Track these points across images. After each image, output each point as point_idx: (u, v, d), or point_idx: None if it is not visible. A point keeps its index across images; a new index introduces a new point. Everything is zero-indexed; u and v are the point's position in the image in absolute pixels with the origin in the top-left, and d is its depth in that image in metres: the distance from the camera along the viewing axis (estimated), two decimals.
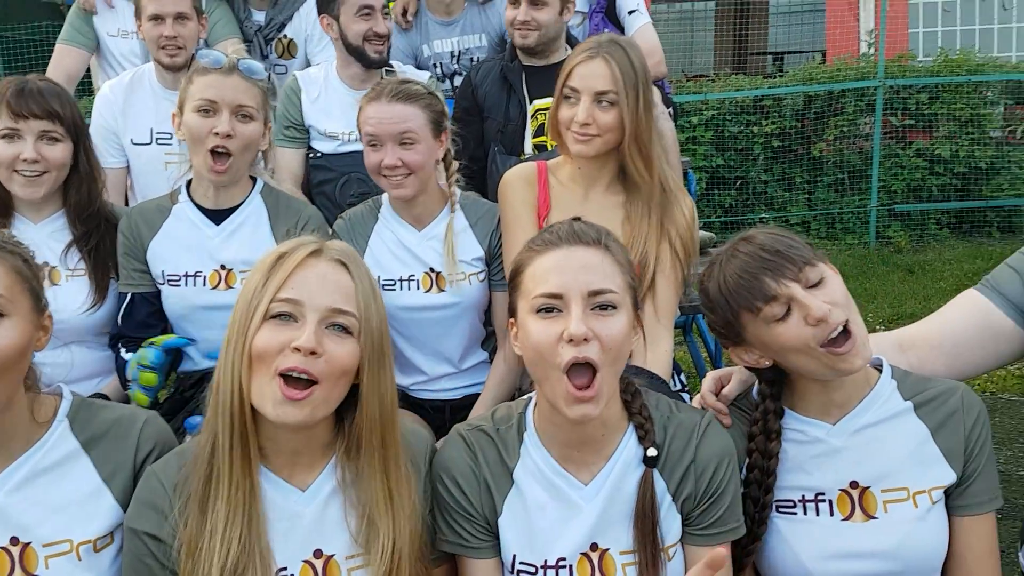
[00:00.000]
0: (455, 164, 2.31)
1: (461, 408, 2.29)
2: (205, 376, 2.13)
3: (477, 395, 2.30)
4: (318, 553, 1.42)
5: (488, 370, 2.33)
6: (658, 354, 2.09)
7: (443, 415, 2.27)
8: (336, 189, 2.87)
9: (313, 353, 1.32)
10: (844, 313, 1.44)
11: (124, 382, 2.09)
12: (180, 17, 2.81)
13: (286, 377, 1.32)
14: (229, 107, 2.10)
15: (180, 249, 2.16)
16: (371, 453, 1.42)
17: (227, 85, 2.11)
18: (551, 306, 1.39)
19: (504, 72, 2.94)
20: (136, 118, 2.89)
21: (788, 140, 7.28)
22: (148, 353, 2.00)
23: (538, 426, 1.52)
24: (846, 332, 1.44)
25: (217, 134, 2.07)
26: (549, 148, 2.95)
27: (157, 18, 2.79)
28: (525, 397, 1.59)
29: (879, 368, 1.59)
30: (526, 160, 2.89)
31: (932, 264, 6.53)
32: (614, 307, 1.40)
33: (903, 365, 1.65)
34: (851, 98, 7.15)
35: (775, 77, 8.07)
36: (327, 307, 1.35)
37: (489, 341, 2.37)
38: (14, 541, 1.41)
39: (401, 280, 2.25)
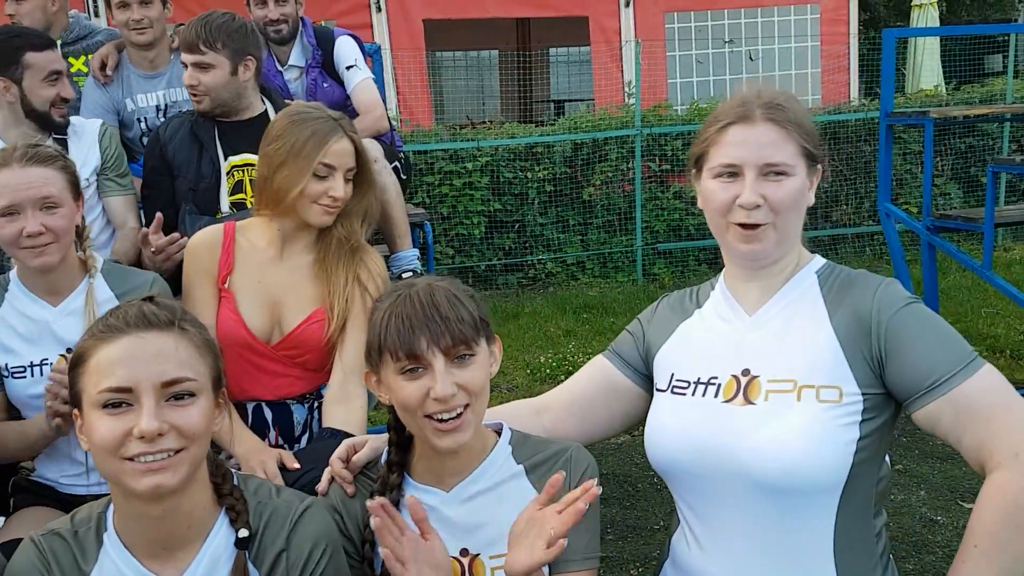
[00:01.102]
0: (88, 230, 2.18)
1: None
2: None
3: None
4: None
5: None
6: (352, 411, 2.08)
7: None
8: None
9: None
10: (466, 399, 1.46)
11: None
12: None
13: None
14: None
15: None
16: None
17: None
18: (119, 400, 1.30)
19: (194, 129, 2.81)
20: None
21: (560, 185, 7.57)
22: None
23: (118, 525, 1.40)
24: (458, 416, 1.45)
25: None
26: (248, 206, 2.85)
27: None
28: (107, 497, 1.46)
29: (499, 432, 1.60)
30: (222, 219, 2.78)
31: None
32: (192, 395, 1.33)
33: (539, 429, 1.69)
34: (614, 145, 7.55)
35: (546, 125, 8.40)
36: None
37: None
38: None
39: (33, 365, 2.06)
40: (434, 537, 1.48)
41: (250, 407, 2.16)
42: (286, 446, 2.16)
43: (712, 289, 1.68)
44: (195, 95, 2.76)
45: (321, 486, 1.61)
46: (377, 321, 1.50)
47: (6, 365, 2.07)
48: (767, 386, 1.48)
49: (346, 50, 3.48)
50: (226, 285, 2.14)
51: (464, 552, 1.52)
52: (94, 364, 1.33)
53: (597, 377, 1.75)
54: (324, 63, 3.48)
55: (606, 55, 8.76)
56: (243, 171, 2.87)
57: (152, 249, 2.38)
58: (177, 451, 1.30)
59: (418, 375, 1.45)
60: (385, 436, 1.64)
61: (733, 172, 1.51)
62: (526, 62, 9.87)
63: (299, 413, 2.20)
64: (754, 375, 1.50)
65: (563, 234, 7.68)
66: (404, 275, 3.28)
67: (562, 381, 1.85)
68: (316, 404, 2.19)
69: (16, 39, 2.69)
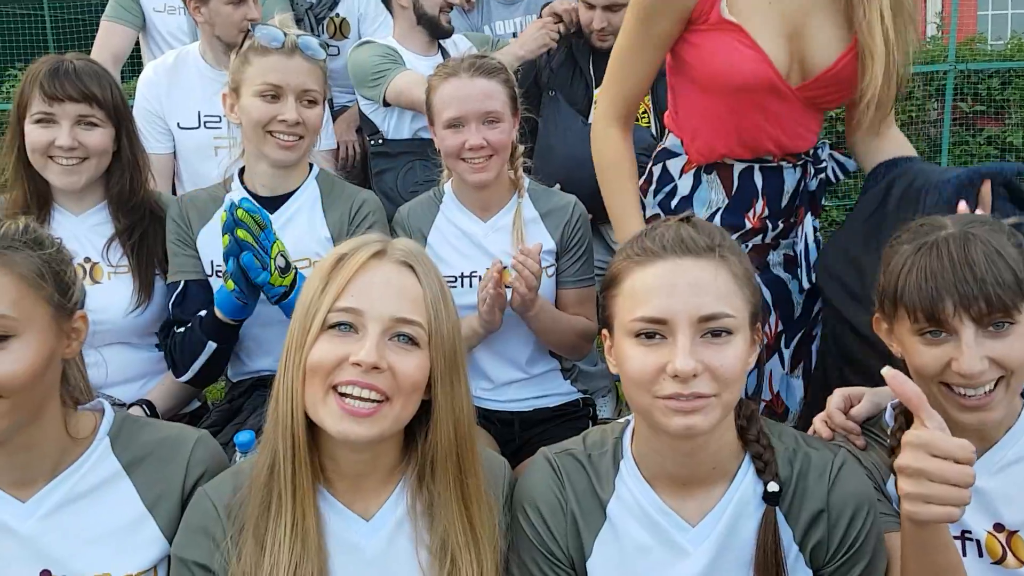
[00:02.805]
0: (520, 148, 2.12)
1: (532, 423, 2.10)
2: (257, 383, 1.99)
3: (548, 408, 2.12)
4: None
5: (560, 380, 2.15)
6: None
7: (512, 429, 2.08)
8: (398, 177, 2.71)
9: (376, 368, 1.18)
10: (998, 374, 1.26)
11: (177, 360, 1.93)
12: None
13: (347, 395, 1.18)
14: (294, 92, 1.93)
15: None
16: (446, 478, 1.26)
17: (291, 68, 1.93)
18: (653, 331, 1.20)
19: (573, 50, 2.76)
20: (183, 101, 2.74)
21: None
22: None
23: (637, 455, 1.33)
24: (987, 393, 1.27)
25: (284, 121, 1.92)
26: None
27: (240, 0, 2.65)
28: (621, 420, 1.40)
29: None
30: None
31: None
32: (729, 332, 1.20)
33: None
34: (919, 82, 6.80)
35: None
36: (390, 316, 1.21)
37: None
38: (46, 575, 1.27)
39: (463, 276, 2.07)
40: None
41: (737, 169, 1.80)
42: (769, 223, 1.82)
43: None
44: (604, 35, 2.70)
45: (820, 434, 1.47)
46: (896, 268, 1.32)
47: None
48: None
49: None
50: (727, 13, 1.64)
51: (999, 527, 1.34)
52: (628, 288, 1.25)
53: None
54: None
55: None
56: None
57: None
58: (708, 396, 1.18)
59: (939, 341, 1.27)
60: (887, 390, 1.47)
61: None
62: None
63: (791, 178, 1.82)
64: None
65: (854, 179, 7.09)
66: None
67: None
68: (811, 168, 1.82)
69: None
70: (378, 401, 1.19)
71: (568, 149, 2.65)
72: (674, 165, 1.86)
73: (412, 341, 1.22)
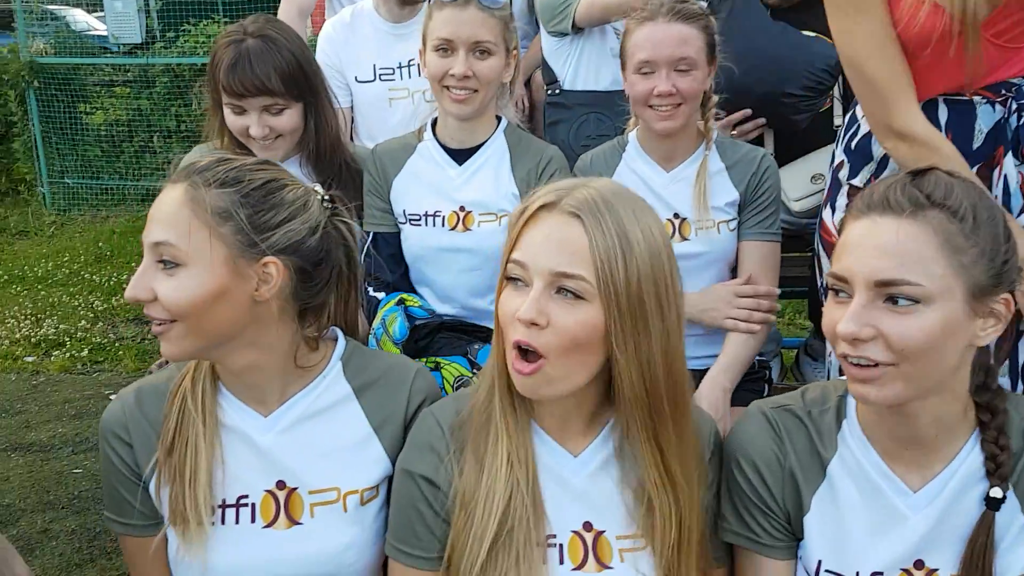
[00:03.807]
0: (714, 99, 2.07)
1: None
2: (441, 326, 2.07)
3: None
4: (587, 526, 1.31)
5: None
6: None
7: None
8: (571, 130, 2.71)
9: (535, 324, 1.17)
10: None
11: (370, 319, 2.05)
12: None
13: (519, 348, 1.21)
14: (465, 45, 1.97)
15: (422, 188, 2.07)
16: (642, 427, 1.26)
17: (463, 20, 1.98)
18: (839, 288, 1.20)
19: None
20: (359, 55, 2.82)
21: None
22: (395, 325, 1.93)
23: (860, 415, 1.31)
24: None
25: (454, 75, 1.97)
26: None
27: None
28: (843, 378, 1.37)
29: None
30: None
31: None
32: (915, 301, 1.14)
33: None
34: None
35: None
36: (550, 271, 1.18)
37: None
38: (280, 485, 1.38)
39: None
40: None
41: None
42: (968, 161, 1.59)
43: None
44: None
45: None
46: None
47: None
48: None
49: None
50: None
51: None
52: (841, 243, 1.24)
53: None
54: None
55: None
56: None
57: None
58: (885, 364, 1.15)
59: None
60: None
61: None
62: None
63: (986, 116, 1.63)
64: None
65: None
66: None
67: None
68: (1013, 104, 1.61)
69: None
70: (540, 356, 1.18)
71: (747, 44, 2.39)
72: (860, 109, 1.80)
73: (576, 295, 1.18)
